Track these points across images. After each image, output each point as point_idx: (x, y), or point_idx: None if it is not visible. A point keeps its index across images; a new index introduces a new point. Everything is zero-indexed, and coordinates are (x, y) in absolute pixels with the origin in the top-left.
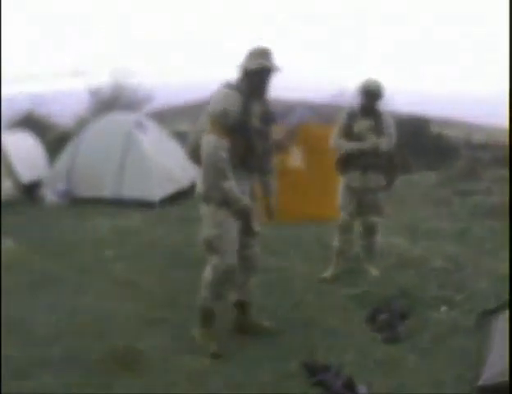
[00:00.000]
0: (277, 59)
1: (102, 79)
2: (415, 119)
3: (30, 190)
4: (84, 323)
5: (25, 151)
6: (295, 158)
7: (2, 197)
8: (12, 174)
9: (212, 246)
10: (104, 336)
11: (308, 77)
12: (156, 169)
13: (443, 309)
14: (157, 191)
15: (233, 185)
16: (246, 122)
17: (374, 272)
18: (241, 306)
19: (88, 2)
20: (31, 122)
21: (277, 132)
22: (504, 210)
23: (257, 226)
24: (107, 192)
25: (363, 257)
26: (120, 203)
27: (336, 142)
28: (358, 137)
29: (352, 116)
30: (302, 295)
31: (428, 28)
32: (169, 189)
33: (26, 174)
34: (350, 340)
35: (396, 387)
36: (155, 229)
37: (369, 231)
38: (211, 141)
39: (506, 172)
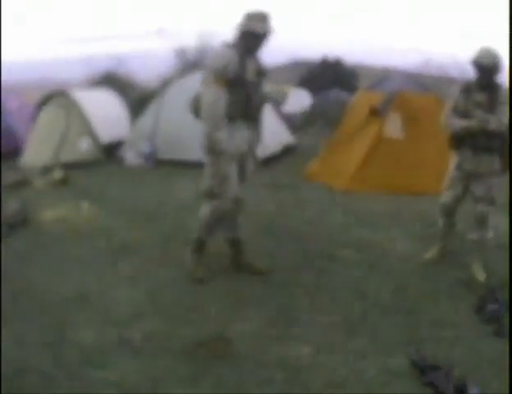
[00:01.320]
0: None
1: (187, 40)
2: None
3: (111, 151)
4: (166, 303)
5: (105, 109)
6: (393, 127)
7: (80, 156)
8: (91, 133)
9: (213, 193)
10: (190, 320)
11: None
12: None
13: None
14: None
15: (224, 138)
16: (243, 76)
17: (481, 276)
18: (234, 243)
19: None
20: (112, 81)
21: (376, 98)
22: None
23: (249, 166)
24: (191, 155)
25: (472, 253)
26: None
27: (445, 119)
28: (465, 114)
29: (466, 91)
30: (404, 278)
31: None
32: (259, 152)
33: (106, 133)
34: (458, 332)
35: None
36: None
37: (478, 222)
38: (210, 91)
39: None
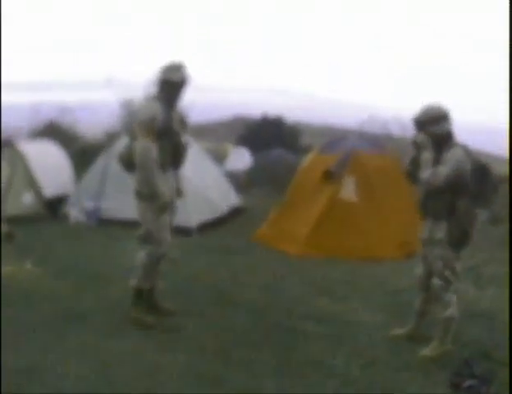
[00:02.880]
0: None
1: (135, 90)
2: None
3: (54, 206)
4: (121, 380)
5: (49, 162)
6: (348, 190)
7: (24, 211)
8: (34, 187)
9: (149, 238)
10: None
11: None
12: (193, 192)
13: None
14: (194, 217)
15: (159, 183)
16: (170, 126)
17: (433, 352)
18: (151, 290)
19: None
20: (56, 132)
21: (329, 160)
22: None
23: (170, 215)
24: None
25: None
26: None
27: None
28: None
29: (419, 148)
30: (373, 352)
31: None
32: (207, 215)
33: (50, 188)
34: None
35: None
36: (194, 260)
37: (434, 297)
38: (142, 145)
39: None
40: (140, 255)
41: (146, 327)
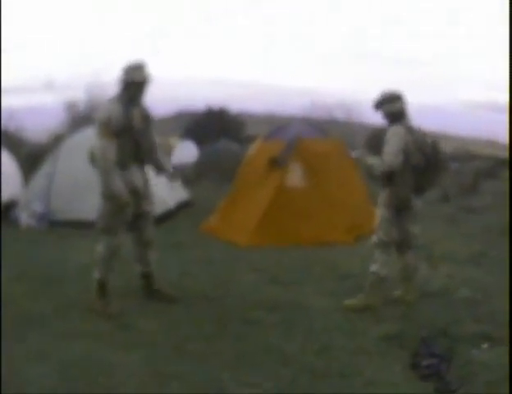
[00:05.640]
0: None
1: (77, 92)
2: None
3: (4, 211)
4: (81, 380)
5: None
6: (294, 176)
7: None
8: None
9: (104, 229)
10: None
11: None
12: None
13: (484, 346)
14: None
15: (116, 182)
16: (130, 124)
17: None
18: (144, 276)
19: None
20: (2, 138)
21: (275, 148)
22: None
23: (147, 207)
24: (88, 214)
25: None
26: None
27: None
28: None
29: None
30: (327, 337)
31: None
32: (155, 210)
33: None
34: (396, 391)
35: None
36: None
37: None
38: (100, 144)
39: (503, 185)
40: (99, 248)
41: (108, 319)
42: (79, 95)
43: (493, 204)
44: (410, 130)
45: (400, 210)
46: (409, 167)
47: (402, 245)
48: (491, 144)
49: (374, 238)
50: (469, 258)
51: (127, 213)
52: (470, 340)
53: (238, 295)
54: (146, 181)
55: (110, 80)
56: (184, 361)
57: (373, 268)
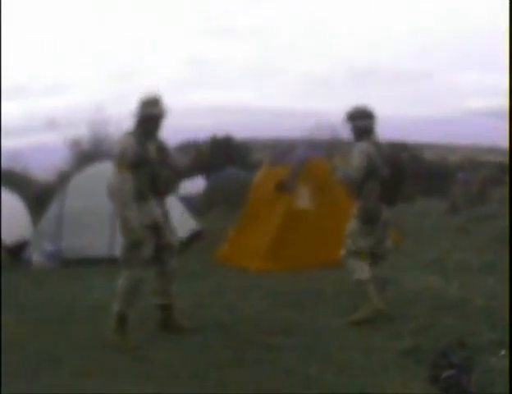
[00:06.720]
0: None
1: (79, 130)
2: (400, 144)
3: (15, 253)
4: None
5: (6, 210)
6: (302, 199)
7: None
8: None
9: (123, 263)
10: None
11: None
12: None
13: (502, 353)
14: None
15: (132, 217)
16: (145, 158)
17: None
18: (164, 308)
19: None
20: (9, 179)
21: (281, 173)
22: None
23: (170, 239)
24: (99, 251)
25: None
26: (115, 262)
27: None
28: None
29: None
30: (346, 357)
31: None
32: None
33: (9, 235)
34: None
35: None
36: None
37: None
38: (115, 177)
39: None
40: (119, 281)
41: (127, 352)
42: (81, 132)
43: (502, 212)
44: (377, 146)
45: (371, 222)
46: (376, 180)
47: (375, 256)
48: (494, 150)
49: (342, 251)
50: (482, 268)
51: (145, 247)
52: (488, 348)
53: (253, 321)
54: (166, 213)
55: (112, 114)
56: (205, 390)
57: (354, 277)
